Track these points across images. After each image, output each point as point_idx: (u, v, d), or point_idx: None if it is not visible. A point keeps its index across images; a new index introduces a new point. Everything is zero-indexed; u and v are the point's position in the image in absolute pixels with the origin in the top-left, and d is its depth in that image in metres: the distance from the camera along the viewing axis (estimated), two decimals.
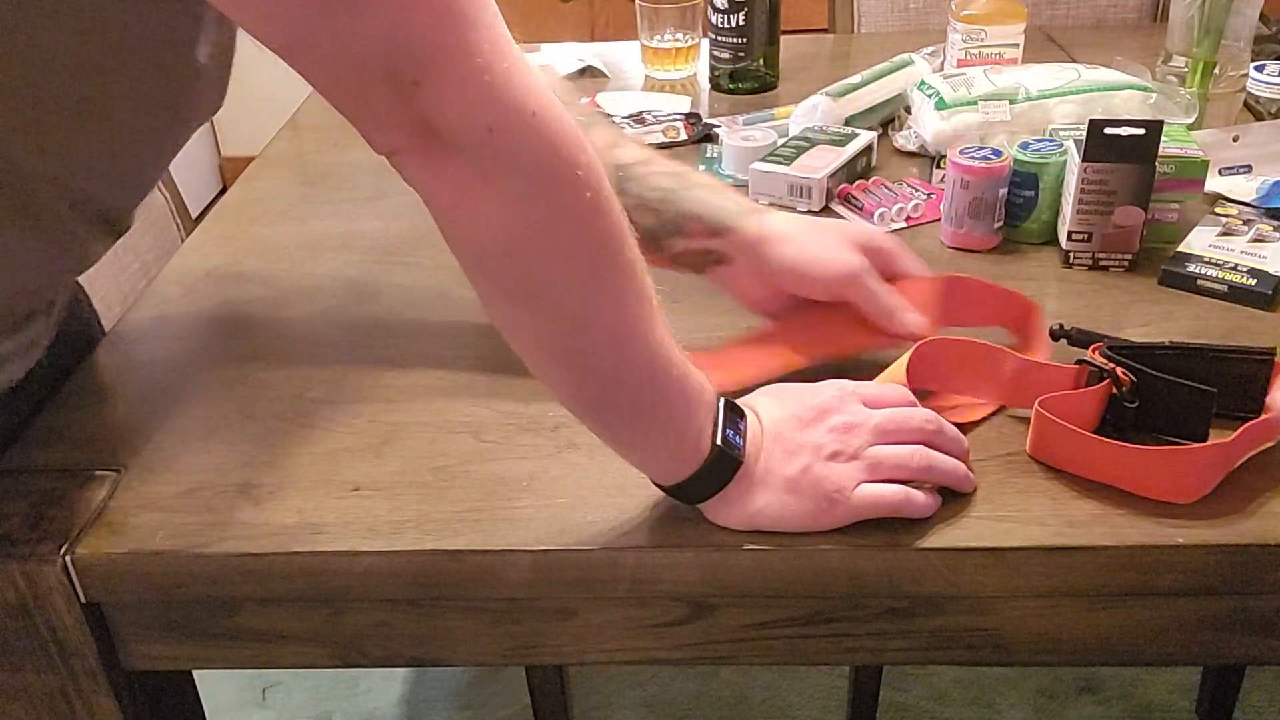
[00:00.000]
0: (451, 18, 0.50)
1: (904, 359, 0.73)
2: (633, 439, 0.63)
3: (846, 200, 1.05)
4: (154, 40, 0.63)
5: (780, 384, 0.70)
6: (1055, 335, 0.77)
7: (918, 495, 0.65)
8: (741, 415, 0.65)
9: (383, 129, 0.53)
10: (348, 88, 0.51)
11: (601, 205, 0.56)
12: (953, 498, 0.67)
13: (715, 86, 1.36)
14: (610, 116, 1.23)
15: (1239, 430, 0.66)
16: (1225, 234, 0.92)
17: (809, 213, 1.04)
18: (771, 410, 0.67)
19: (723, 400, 0.65)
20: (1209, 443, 0.68)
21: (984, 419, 0.74)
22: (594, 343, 0.59)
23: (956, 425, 0.70)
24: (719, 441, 0.63)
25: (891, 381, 0.72)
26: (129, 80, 0.63)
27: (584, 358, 0.60)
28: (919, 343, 0.74)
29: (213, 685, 1.65)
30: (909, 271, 0.82)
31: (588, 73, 1.41)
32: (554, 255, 0.56)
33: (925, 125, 1.10)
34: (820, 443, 0.65)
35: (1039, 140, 0.96)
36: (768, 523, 0.64)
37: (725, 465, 0.63)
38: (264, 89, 1.65)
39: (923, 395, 0.72)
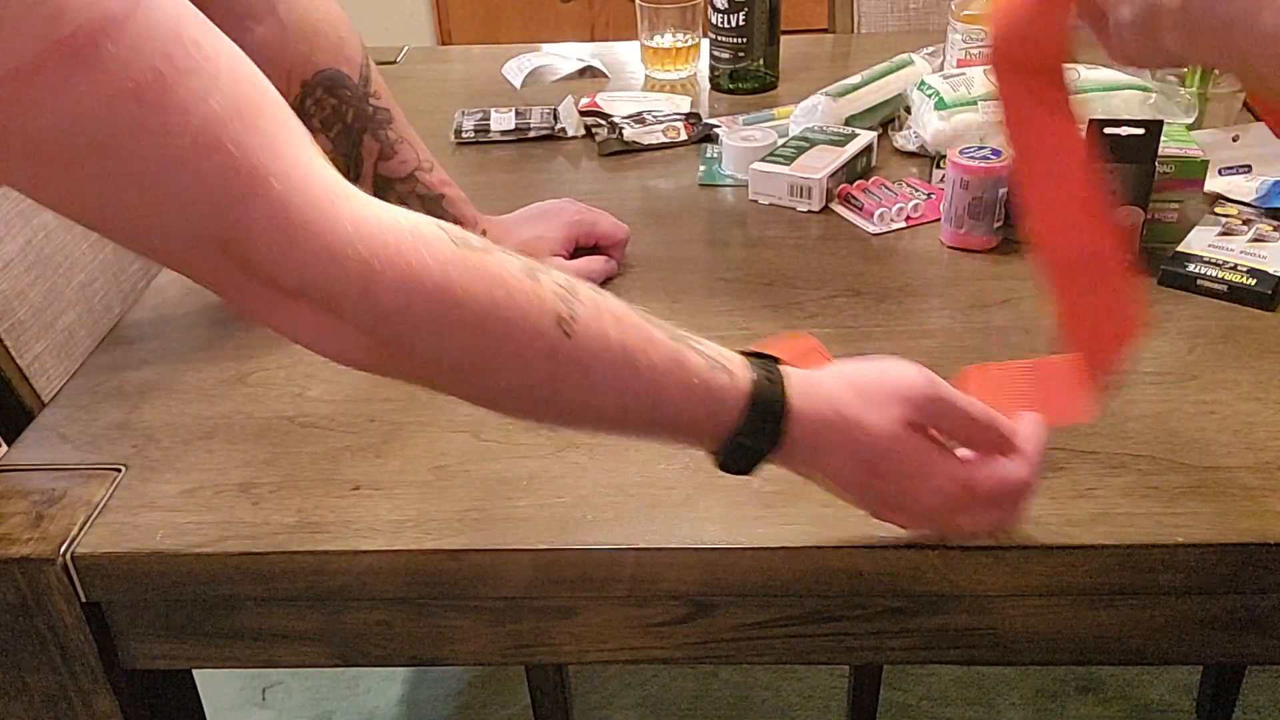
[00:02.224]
0: (237, 175, 0.48)
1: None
2: (659, 440, 0.61)
3: (846, 200, 1.05)
4: None
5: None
6: None
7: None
8: (775, 363, 0.60)
9: (223, 290, 0.52)
10: (166, 258, 0.51)
11: (477, 273, 0.53)
12: None
13: (715, 86, 1.36)
14: (609, 116, 1.23)
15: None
16: (1225, 234, 0.92)
17: (809, 213, 1.04)
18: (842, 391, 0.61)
19: (749, 356, 0.60)
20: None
21: None
22: (550, 402, 0.57)
23: None
24: (752, 393, 0.57)
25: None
26: None
27: (557, 412, 0.58)
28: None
29: (213, 685, 1.65)
30: (611, 234, 0.93)
31: (588, 73, 1.41)
32: (437, 357, 0.54)
33: (925, 125, 1.10)
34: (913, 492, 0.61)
35: None
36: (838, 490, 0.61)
37: (767, 417, 0.58)
38: None
39: None
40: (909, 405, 0.59)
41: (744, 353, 0.60)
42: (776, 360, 0.60)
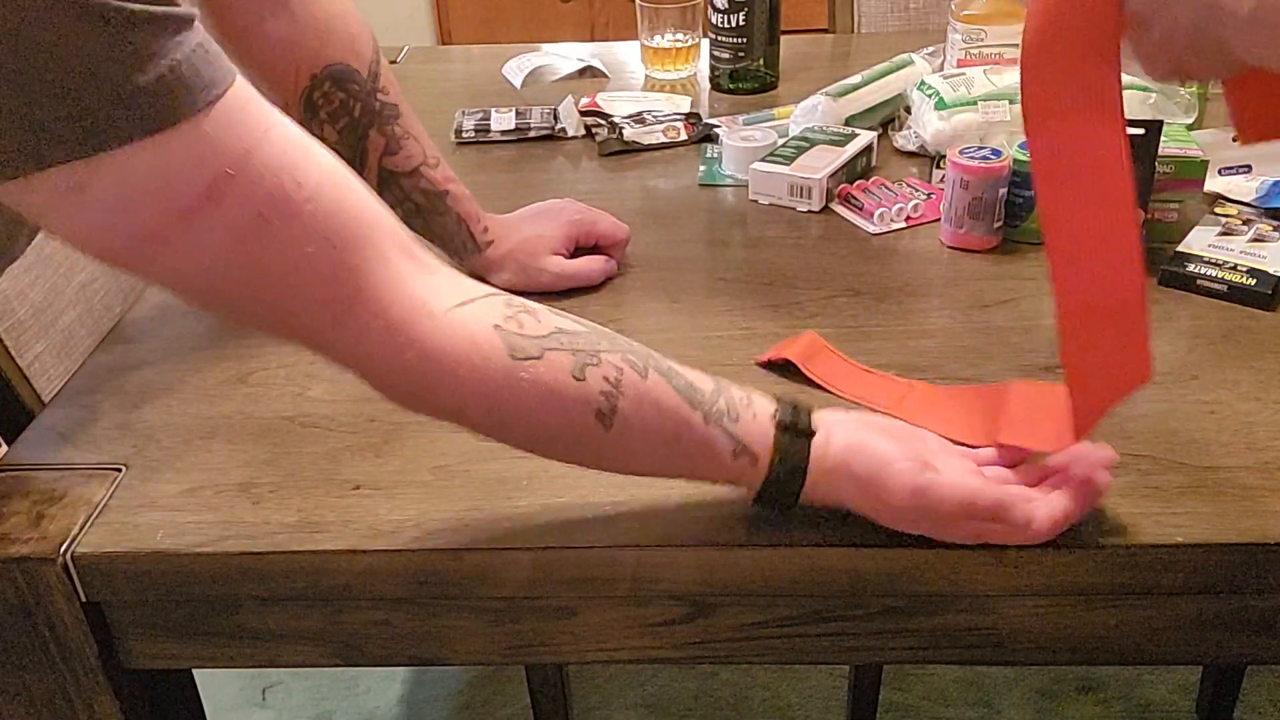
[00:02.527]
0: (329, 305, 0.56)
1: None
2: (693, 477, 0.66)
3: (846, 200, 1.05)
4: None
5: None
6: None
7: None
8: (806, 439, 0.64)
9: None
10: (282, 338, 0.60)
11: (527, 387, 0.59)
12: None
13: (715, 86, 1.36)
14: (609, 116, 1.23)
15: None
16: (1225, 234, 0.92)
17: (809, 213, 1.04)
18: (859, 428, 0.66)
19: (779, 434, 0.63)
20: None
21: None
22: (596, 466, 0.64)
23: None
24: (768, 480, 0.63)
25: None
26: None
27: (602, 469, 0.65)
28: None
29: (213, 685, 1.65)
30: (611, 235, 0.95)
31: (588, 73, 1.42)
32: (497, 437, 0.63)
33: (925, 125, 1.10)
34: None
35: None
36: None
37: (778, 498, 0.64)
38: None
39: None
40: (896, 515, 0.63)
41: (780, 423, 0.64)
42: (809, 432, 0.64)
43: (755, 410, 0.63)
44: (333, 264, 0.55)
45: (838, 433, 0.64)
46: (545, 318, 0.61)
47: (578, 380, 0.60)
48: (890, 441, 0.64)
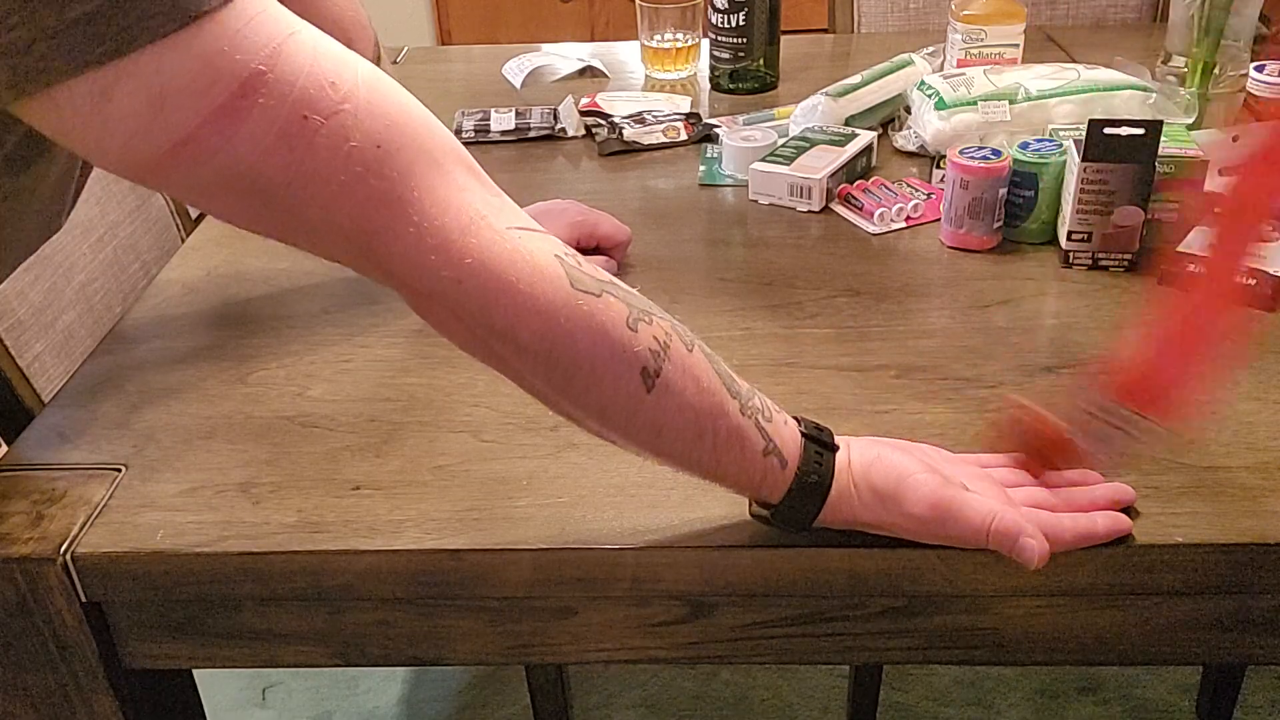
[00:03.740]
0: (377, 207, 0.54)
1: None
2: (697, 477, 0.64)
3: (846, 200, 1.05)
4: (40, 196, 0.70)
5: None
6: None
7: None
8: (830, 453, 0.64)
9: (379, 281, 0.58)
10: (322, 252, 0.57)
11: (582, 318, 0.57)
12: None
13: (715, 86, 1.36)
14: (609, 116, 1.23)
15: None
16: None
17: (809, 213, 1.04)
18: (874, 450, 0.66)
19: (806, 442, 0.64)
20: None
21: None
22: (624, 435, 0.61)
23: None
24: (793, 487, 0.62)
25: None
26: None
27: (629, 443, 0.62)
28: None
29: (213, 685, 1.65)
30: (613, 236, 0.94)
31: (588, 73, 1.42)
32: (533, 378, 0.59)
33: (925, 125, 1.10)
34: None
35: (1039, 140, 0.97)
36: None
37: (801, 509, 0.63)
38: None
39: None
40: (919, 526, 0.63)
41: (806, 434, 0.64)
42: (833, 447, 0.64)
43: (785, 417, 0.64)
44: (380, 163, 0.53)
45: (856, 448, 0.65)
46: (600, 271, 0.60)
47: (630, 330, 0.58)
48: (907, 456, 0.64)
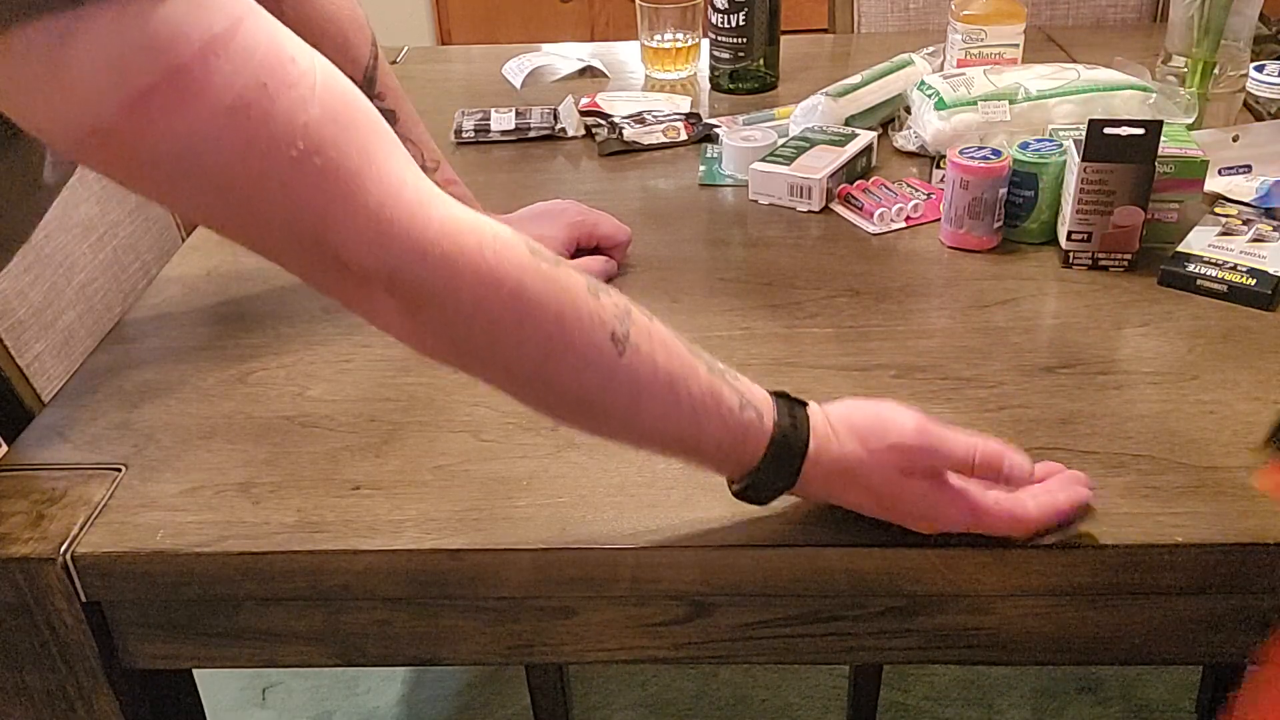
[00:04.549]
0: (334, 178, 0.52)
1: None
2: (687, 463, 0.64)
3: (846, 200, 1.05)
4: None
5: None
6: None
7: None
8: (802, 407, 0.64)
9: (314, 283, 0.56)
10: (267, 254, 0.55)
11: (549, 283, 0.56)
12: None
13: (715, 86, 1.36)
14: (609, 116, 1.23)
15: None
16: (1225, 234, 0.92)
17: (809, 213, 1.04)
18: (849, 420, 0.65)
19: (776, 399, 0.63)
20: None
21: None
22: (599, 416, 0.60)
23: None
24: (775, 436, 0.61)
25: None
26: None
27: (603, 426, 0.61)
28: None
29: (213, 685, 1.65)
30: (613, 236, 0.94)
31: (588, 73, 1.42)
32: (503, 358, 0.58)
33: (925, 125, 1.10)
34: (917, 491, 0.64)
35: (1039, 140, 0.97)
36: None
37: (786, 460, 0.62)
38: None
39: None
40: (903, 457, 0.62)
41: (773, 393, 0.64)
42: (803, 403, 0.64)
43: (748, 380, 0.63)
44: (336, 138, 0.51)
45: (828, 404, 0.64)
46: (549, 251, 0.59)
47: (593, 296, 0.57)
48: (881, 401, 0.65)
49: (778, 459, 0.62)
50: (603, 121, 1.22)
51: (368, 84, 0.86)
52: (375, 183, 0.53)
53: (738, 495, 0.65)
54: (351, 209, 0.52)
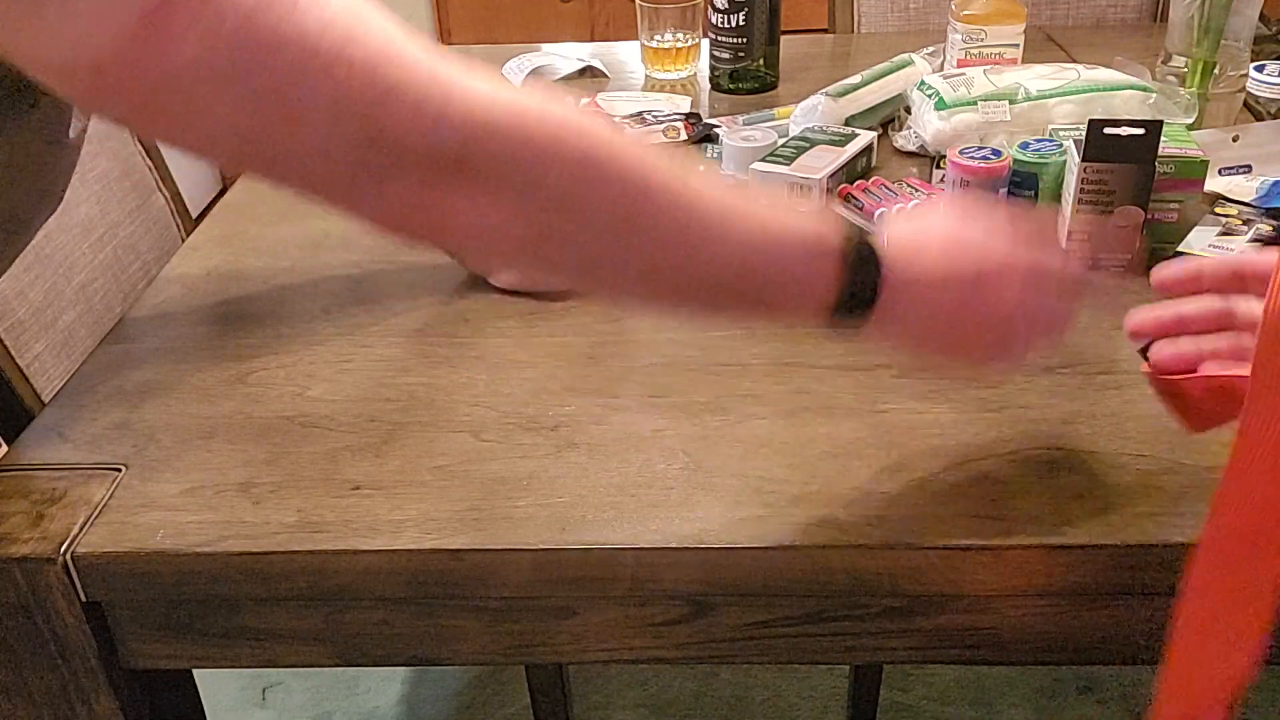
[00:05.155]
0: (379, 64, 0.49)
1: None
2: (764, 319, 0.64)
3: (846, 200, 1.05)
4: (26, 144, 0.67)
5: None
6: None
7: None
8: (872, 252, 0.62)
9: (364, 200, 0.52)
10: (306, 178, 0.51)
11: (599, 152, 0.54)
12: (953, 497, 0.67)
13: (715, 86, 1.36)
14: (610, 116, 1.23)
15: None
16: (1225, 234, 0.92)
17: None
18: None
19: (849, 237, 0.61)
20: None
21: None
22: (675, 269, 0.58)
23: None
24: (849, 275, 0.60)
25: None
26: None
27: (664, 294, 0.59)
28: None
29: (213, 685, 1.65)
30: None
31: (588, 73, 1.42)
32: (586, 231, 0.55)
33: (925, 125, 1.10)
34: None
35: (1039, 140, 0.97)
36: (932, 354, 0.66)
37: (865, 263, 0.61)
38: None
39: None
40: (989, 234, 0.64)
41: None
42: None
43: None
44: (368, 24, 0.48)
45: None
46: None
47: (648, 147, 0.56)
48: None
49: (861, 261, 0.60)
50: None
51: None
52: (417, 63, 0.49)
53: (835, 312, 0.62)
54: (403, 90, 0.49)
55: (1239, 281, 0.62)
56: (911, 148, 1.15)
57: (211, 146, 0.50)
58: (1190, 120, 1.05)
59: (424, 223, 0.53)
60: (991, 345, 0.66)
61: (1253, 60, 1.14)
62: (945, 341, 0.65)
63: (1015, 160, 0.94)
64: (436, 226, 0.53)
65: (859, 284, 0.61)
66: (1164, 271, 0.64)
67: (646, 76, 1.41)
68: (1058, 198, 0.94)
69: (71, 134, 0.73)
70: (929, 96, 1.10)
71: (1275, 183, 0.99)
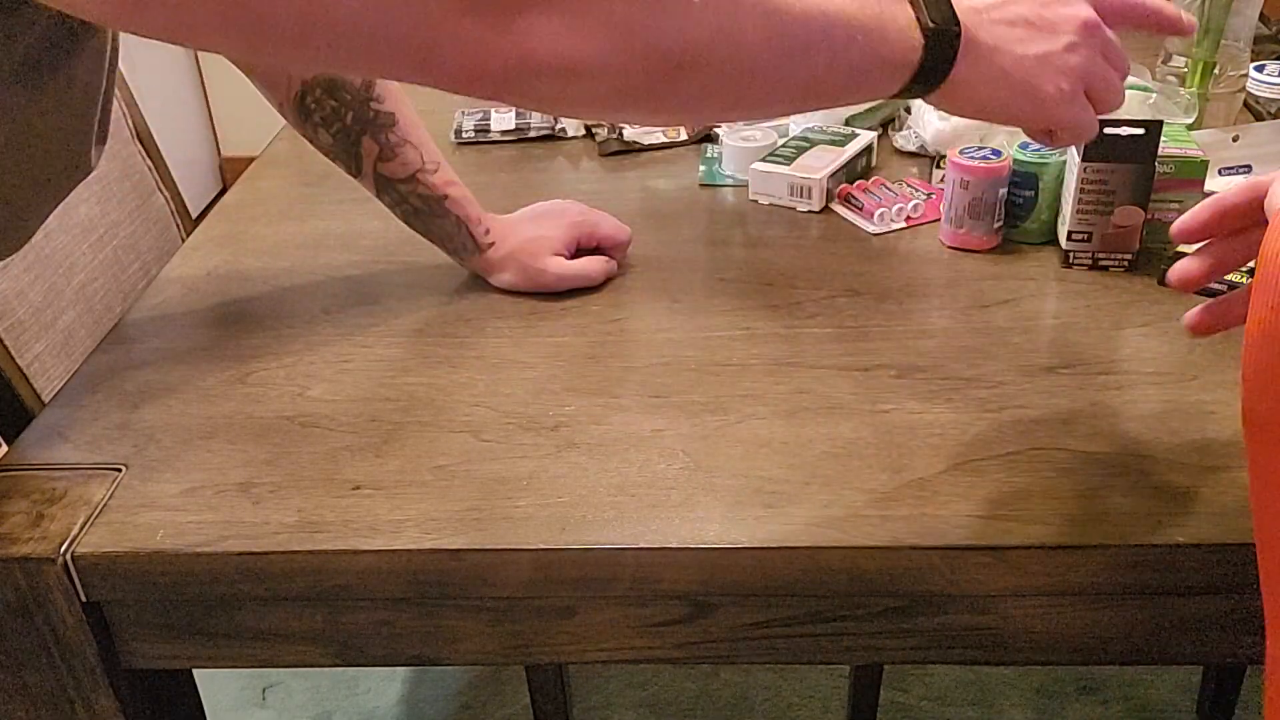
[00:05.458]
0: None
1: None
2: (847, 86, 0.63)
3: (846, 200, 1.05)
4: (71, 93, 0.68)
5: None
6: None
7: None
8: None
9: (438, 45, 0.51)
10: (361, 37, 0.50)
11: None
12: (953, 497, 0.67)
13: None
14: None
15: None
16: None
17: (809, 213, 1.04)
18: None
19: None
20: None
21: None
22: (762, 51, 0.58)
23: None
24: (929, 31, 0.62)
25: None
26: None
27: (755, 75, 0.59)
28: None
29: (213, 685, 1.65)
30: (613, 237, 0.95)
31: None
32: (674, 46, 0.54)
33: (925, 125, 1.10)
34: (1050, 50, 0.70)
35: None
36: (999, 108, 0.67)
37: (942, 51, 0.63)
38: None
39: None
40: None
41: None
42: None
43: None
44: None
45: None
46: None
47: None
48: None
49: (940, 11, 0.63)
50: (603, 121, 1.22)
51: (365, 88, 0.86)
52: None
53: (920, 68, 0.63)
54: None
55: (1258, 202, 0.65)
56: (911, 148, 1.15)
57: (275, 12, 0.49)
58: (1190, 120, 1.05)
59: (509, 54, 0.51)
60: (1063, 91, 0.70)
61: (1253, 60, 1.14)
62: (1019, 82, 0.67)
63: (1015, 160, 0.94)
64: (523, 55, 0.52)
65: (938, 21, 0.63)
66: (1183, 222, 0.67)
67: None
68: (1058, 198, 0.94)
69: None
70: None
71: None
